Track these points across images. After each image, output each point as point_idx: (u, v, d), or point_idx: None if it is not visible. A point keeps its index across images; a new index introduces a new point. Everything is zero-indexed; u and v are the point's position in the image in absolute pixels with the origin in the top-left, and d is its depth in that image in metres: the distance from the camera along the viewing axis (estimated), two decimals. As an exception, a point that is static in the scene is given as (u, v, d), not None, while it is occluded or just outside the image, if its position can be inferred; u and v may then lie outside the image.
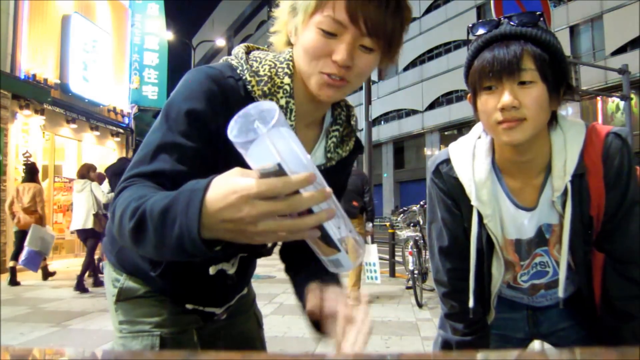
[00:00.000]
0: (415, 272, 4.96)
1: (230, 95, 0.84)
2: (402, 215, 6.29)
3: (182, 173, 0.77)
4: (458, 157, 1.15)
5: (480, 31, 1.04)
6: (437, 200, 1.19)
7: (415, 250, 5.21)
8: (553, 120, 1.07)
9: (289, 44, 0.92)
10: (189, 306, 1.05)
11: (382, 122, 31.67)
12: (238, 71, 0.87)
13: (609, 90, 16.39)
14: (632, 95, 13.99)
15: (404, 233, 5.82)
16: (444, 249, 1.18)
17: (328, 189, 0.60)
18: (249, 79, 0.86)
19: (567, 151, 1.05)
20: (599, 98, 18.44)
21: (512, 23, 1.01)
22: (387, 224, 7.51)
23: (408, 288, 5.30)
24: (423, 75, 27.89)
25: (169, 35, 15.19)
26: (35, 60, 8.67)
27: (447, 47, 27.77)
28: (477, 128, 1.16)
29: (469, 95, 1.08)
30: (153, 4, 13.29)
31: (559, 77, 1.01)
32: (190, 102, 0.81)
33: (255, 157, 0.57)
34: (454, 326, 1.21)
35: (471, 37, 1.05)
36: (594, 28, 19.82)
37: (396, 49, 0.87)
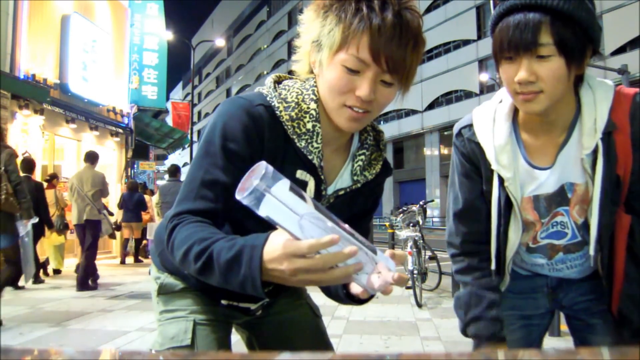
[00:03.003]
0: (415, 272, 4.96)
1: (259, 121, 0.94)
2: (401, 215, 6.28)
3: (221, 208, 0.91)
4: (480, 122, 1.17)
5: None
6: (456, 164, 1.22)
7: (414, 250, 5.20)
8: (579, 81, 1.07)
9: (311, 72, 1.00)
10: (224, 302, 1.15)
11: (382, 122, 31.62)
12: (268, 98, 0.97)
13: (608, 90, 16.38)
14: (632, 95, 13.92)
15: (403, 233, 5.80)
16: (457, 213, 1.22)
17: (353, 248, 0.69)
18: (277, 105, 0.95)
19: (597, 109, 1.05)
20: (598, 98, 18.43)
21: None
22: (387, 224, 7.47)
23: (407, 288, 5.29)
24: (422, 75, 27.82)
25: (169, 35, 15.19)
26: (34, 60, 8.67)
27: (446, 47, 27.75)
28: (500, 92, 1.18)
29: None
30: (153, 4, 13.29)
31: (583, 45, 0.99)
32: (226, 138, 0.92)
33: (273, 213, 0.66)
34: (463, 280, 1.23)
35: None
36: (593, 28, 19.80)
37: (412, 80, 0.94)
